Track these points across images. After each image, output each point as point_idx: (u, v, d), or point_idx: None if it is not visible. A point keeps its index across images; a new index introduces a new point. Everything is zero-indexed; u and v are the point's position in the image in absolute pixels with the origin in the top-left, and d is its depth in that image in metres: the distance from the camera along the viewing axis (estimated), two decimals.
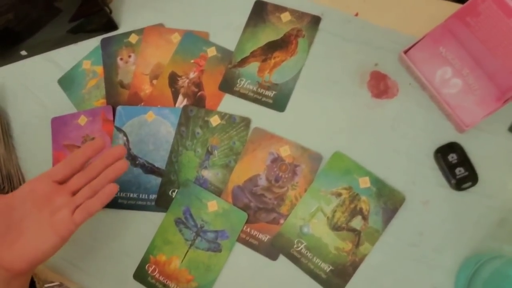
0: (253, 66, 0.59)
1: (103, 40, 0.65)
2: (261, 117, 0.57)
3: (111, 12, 0.65)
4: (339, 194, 0.53)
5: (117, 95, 0.62)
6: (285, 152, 0.55)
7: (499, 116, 0.51)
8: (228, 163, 0.56)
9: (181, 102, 0.60)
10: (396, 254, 0.51)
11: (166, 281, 0.54)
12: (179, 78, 0.61)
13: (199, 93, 0.60)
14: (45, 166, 0.61)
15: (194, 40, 0.62)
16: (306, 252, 0.52)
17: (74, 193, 0.47)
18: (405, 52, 0.54)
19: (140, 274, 0.55)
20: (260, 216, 0.54)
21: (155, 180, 0.58)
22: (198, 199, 0.56)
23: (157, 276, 0.55)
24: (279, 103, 0.58)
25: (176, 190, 0.57)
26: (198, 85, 0.61)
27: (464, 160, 0.51)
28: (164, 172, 0.58)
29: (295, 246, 0.52)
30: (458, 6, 0.52)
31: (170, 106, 0.60)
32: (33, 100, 0.65)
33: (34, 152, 0.63)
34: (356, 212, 0.52)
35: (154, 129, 0.59)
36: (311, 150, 0.55)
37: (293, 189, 0.54)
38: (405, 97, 0.55)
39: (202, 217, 0.55)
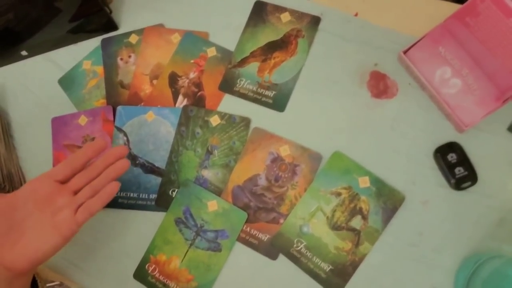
0: (253, 66, 0.60)
1: (103, 40, 0.65)
2: (261, 117, 0.57)
3: (111, 12, 0.65)
4: (339, 194, 0.53)
5: (117, 95, 0.62)
6: (284, 151, 0.55)
7: (498, 116, 0.51)
8: (228, 163, 0.56)
9: (181, 102, 0.60)
10: (396, 254, 0.51)
11: (166, 281, 0.54)
12: (179, 78, 0.61)
13: (199, 93, 0.60)
14: (46, 165, 0.62)
15: (194, 40, 0.62)
16: (306, 252, 0.52)
17: (75, 193, 0.47)
18: (405, 52, 0.54)
19: (140, 274, 0.55)
20: (260, 215, 0.54)
21: (155, 180, 0.58)
22: (198, 198, 0.56)
23: (157, 275, 0.55)
24: (279, 103, 0.58)
25: (176, 190, 0.57)
26: (198, 85, 0.61)
27: (464, 160, 0.51)
28: (164, 172, 0.58)
29: (295, 245, 0.52)
30: (457, 6, 0.53)
31: (170, 106, 0.60)
32: (33, 100, 0.66)
33: (35, 152, 0.63)
34: (355, 211, 0.52)
35: (154, 129, 0.59)
36: (311, 150, 0.55)
37: (293, 188, 0.54)
38: (404, 97, 0.55)
39: (202, 217, 0.55)
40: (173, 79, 0.61)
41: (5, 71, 0.68)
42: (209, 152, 0.57)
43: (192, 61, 0.62)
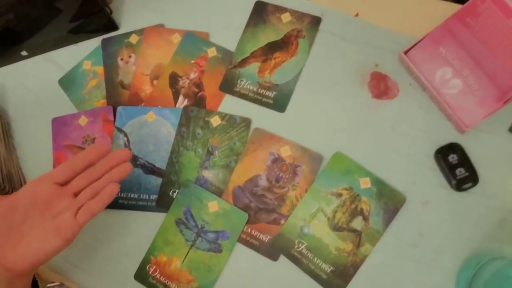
0: (253, 67, 0.60)
1: (103, 41, 0.65)
2: (261, 117, 0.57)
3: (111, 12, 0.65)
4: (340, 195, 0.53)
5: (117, 95, 0.62)
6: (285, 152, 0.55)
7: (499, 117, 0.51)
8: (229, 164, 0.56)
9: (182, 102, 0.60)
10: (397, 254, 0.51)
11: (167, 282, 0.54)
12: (179, 79, 0.61)
13: (199, 94, 0.60)
14: (46, 166, 0.61)
15: (194, 41, 0.62)
16: (307, 253, 0.52)
17: (75, 195, 0.47)
18: (405, 52, 0.54)
19: (140, 275, 0.55)
20: (261, 216, 0.54)
21: (156, 181, 0.58)
22: (199, 199, 0.56)
23: (157, 276, 0.55)
24: (279, 104, 0.58)
25: (177, 191, 0.57)
26: (199, 85, 0.61)
27: (465, 161, 0.51)
28: (165, 172, 0.58)
29: (295, 246, 0.52)
30: (458, 6, 0.53)
31: (170, 106, 0.60)
32: (33, 100, 0.65)
33: (35, 152, 0.63)
34: (356, 212, 0.52)
35: (155, 129, 0.59)
36: (312, 151, 0.55)
37: (294, 189, 0.54)
38: (405, 97, 0.55)
39: (202, 218, 0.55)
40: (174, 79, 0.61)
41: (5, 71, 0.68)
42: (209, 153, 0.57)
43: (192, 61, 0.61)
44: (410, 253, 0.51)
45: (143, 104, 0.61)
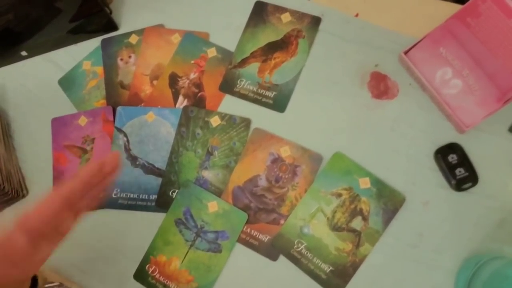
0: (253, 67, 0.59)
1: (103, 41, 0.65)
2: (261, 117, 0.57)
3: (111, 12, 0.65)
4: (339, 195, 0.53)
5: (117, 95, 0.62)
6: (285, 152, 0.55)
7: (499, 117, 0.51)
8: (229, 164, 0.56)
9: (182, 102, 0.60)
10: (396, 254, 0.51)
11: (167, 282, 0.54)
12: (179, 79, 0.61)
13: (199, 94, 0.60)
14: (45, 166, 0.61)
15: (194, 41, 0.62)
16: (306, 253, 0.52)
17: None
18: (405, 52, 0.54)
19: (140, 275, 0.55)
20: (260, 216, 0.54)
21: (156, 181, 0.58)
22: (198, 199, 0.56)
23: (157, 276, 0.55)
24: (279, 104, 0.58)
25: (177, 191, 0.57)
26: (199, 85, 0.61)
27: (464, 161, 0.51)
28: (165, 172, 0.58)
29: (295, 246, 0.52)
30: (458, 6, 0.53)
31: (170, 106, 0.60)
32: (33, 100, 0.65)
33: (34, 153, 0.63)
34: (356, 212, 0.52)
35: (155, 129, 0.59)
36: (311, 151, 0.55)
37: (293, 189, 0.54)
38: (405, 97, 0.55)
39: (202, 218, 0.55)
40: (174, 79, 0.61)
41: (5, 71, 0.68)
42: (209, 153, 0.57)
43: (192, 61, 0.61)
44: (410, 253, 0.51)
45: (143, 104, 0.61)
